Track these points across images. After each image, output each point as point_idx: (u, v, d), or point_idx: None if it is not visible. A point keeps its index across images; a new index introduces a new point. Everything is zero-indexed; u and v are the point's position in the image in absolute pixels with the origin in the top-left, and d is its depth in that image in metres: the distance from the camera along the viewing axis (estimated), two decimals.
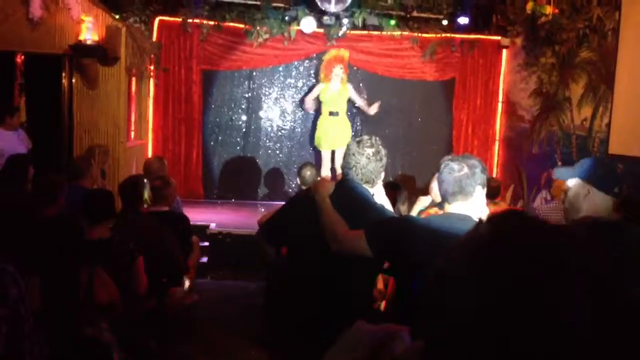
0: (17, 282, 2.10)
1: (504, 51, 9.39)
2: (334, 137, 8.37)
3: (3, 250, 2.22)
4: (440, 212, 2.86)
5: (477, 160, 2.58)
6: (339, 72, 8.40)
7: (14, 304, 2.07)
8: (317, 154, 9.11)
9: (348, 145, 2.96)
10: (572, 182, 2.64)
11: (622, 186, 2.55)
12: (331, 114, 8.43)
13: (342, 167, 2.99)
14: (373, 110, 8.45)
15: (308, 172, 5.73)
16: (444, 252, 0.87)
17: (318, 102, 8.62)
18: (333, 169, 8.37)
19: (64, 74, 6.44)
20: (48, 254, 2.62)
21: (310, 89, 8.87)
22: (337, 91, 8.43)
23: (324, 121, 8.50)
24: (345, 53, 8.60)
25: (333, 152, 8.49)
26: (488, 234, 0.83)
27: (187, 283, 4.84)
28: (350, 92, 8.51)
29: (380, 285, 4.03)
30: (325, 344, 1.21)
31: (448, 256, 0.85)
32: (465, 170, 2.51)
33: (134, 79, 8.14)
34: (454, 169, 2.51)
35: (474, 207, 2.55)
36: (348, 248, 2.65)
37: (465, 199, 2.53)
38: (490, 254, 0.80)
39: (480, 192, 2.55)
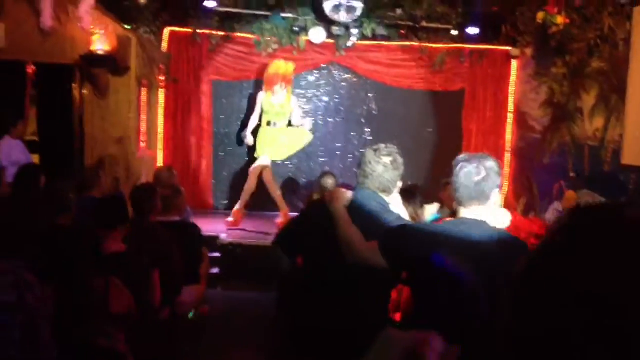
0: (34, 290, 2.08)
1: (514, 61, 9.32)
2: (278, 148, 8.18)
3: (20, 257, 2.21)
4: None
5: (493, 162, 2.48)
6: (279, 89, 8.11)
7: (30, 311, 2.05)
8: (327, 164, 9.10)
9: (364, 153, 2.92)
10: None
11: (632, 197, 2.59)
12: (269, 124, 8.19)
13: (358, 176, 2.94)
14: (308, 125, 8.19)
15: (329, 181, 5.68)
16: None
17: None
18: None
19: (74, 84, 6.45)
20: (63, 262, 2.60)
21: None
22: (278, 103, 8.17)
23: (263, 131, 8.21)
24: (289, 68, 8.25)
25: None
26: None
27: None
28: (293, 105, 8.24)
29: (393, 295, 3.97)
30: (339, 357, 1.18)
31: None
32: (483, 173, 2.41)
33: (144, 89, 8.15)
34: (472, 172, 2.41)
35: (490, 211, 2.48)
36: (364, 259, 2.60)
37: (481, 203, 2.44)
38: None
39: (496, 196, 2.47)
